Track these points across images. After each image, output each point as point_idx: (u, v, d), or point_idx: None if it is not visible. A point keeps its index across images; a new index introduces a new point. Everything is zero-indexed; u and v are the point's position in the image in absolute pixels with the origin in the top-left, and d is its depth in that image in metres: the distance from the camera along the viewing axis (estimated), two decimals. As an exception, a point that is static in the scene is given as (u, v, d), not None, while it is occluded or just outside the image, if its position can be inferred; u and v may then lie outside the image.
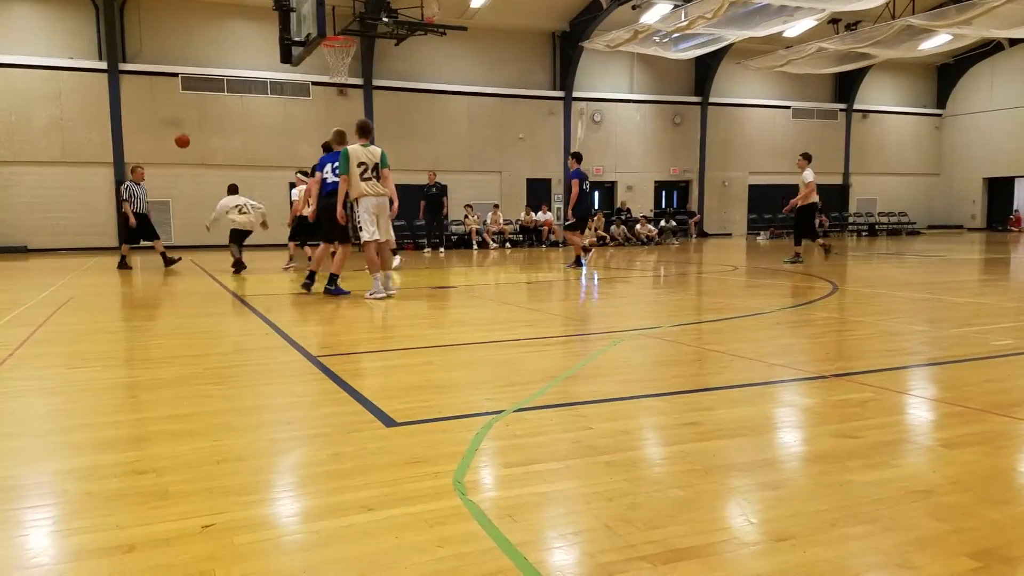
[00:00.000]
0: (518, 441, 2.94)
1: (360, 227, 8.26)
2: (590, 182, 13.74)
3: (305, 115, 22.84)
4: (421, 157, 23.74)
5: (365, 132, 8.37)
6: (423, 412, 3.39)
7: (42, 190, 20.38)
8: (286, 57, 9.92)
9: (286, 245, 14.52)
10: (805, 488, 2.41)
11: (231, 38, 22.03)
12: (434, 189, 19.28)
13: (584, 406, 3.48)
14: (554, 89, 25.98)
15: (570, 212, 12.62)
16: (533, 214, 23.61)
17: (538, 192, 25.44)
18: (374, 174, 8.23)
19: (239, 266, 12.76)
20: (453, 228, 23.06)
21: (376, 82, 23.34)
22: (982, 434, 2.96)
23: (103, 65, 20.55)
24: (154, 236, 13.65)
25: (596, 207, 26.78)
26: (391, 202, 8.47)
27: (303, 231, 12.93)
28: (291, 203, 14.14)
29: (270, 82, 22.26)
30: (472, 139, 24.80)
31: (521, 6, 23.61)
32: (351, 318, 6.94)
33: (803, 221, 13.55)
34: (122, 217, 13.56)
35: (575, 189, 12.24)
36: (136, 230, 13.29)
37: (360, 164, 8.18)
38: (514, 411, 3.36)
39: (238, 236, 13.12)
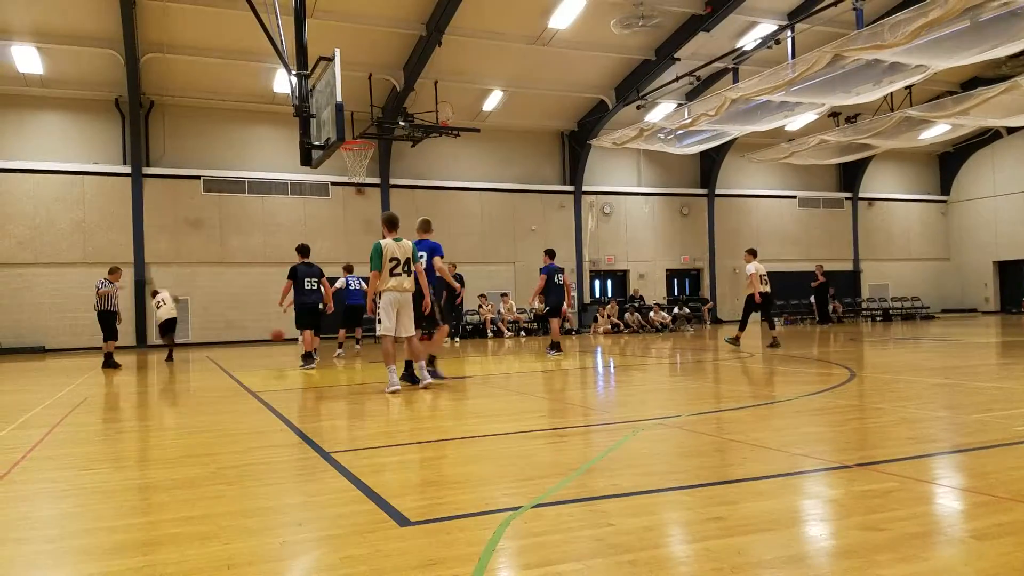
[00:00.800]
0: (536, 540, 2.88)
1: (379, 319, 8.37)
2: (602, 270, 15.03)
3: (324, 213, 23.45)
4: (436, 251, 24.14)
5: (393, 226, 8.57)
6: (439, 510, 3.35)
7: (62, 290, 20.80)
8: (306, 160, 10.25)
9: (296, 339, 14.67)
10: (834, 585, 2.35)
11: (252, 142, 22.89)
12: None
13: (604, 501, 3.42)
14: (564, 184, 26.63)
15: (535, 301, 14.96)
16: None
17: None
18: (405, 269, 8.33)
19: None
20: (468, 317, 23.19)
21: (393, 181, 24.07)
22: (1013, 524, 2.89)
23: (127, 169, 21.34)
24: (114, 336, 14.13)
25: (609, 295, 26.93)
26: (422, 296, 8.55)
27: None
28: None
29: (290, 183, 22.99)
30: (485, 232, 25.30)
31: (531, 108, 24.53)
32: (365, 412, 6.92)
33: (750, 309, 14.95)
34: (106, 315, 13.94)
35: (540, 283, 13.86)
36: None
37: (392, 259, 8.32)
38: (532, 507, 3.31)
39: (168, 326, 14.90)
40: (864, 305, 30.01)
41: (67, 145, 21.18)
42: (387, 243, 8.39)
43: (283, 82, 19.72)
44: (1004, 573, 2.39)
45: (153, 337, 21.47)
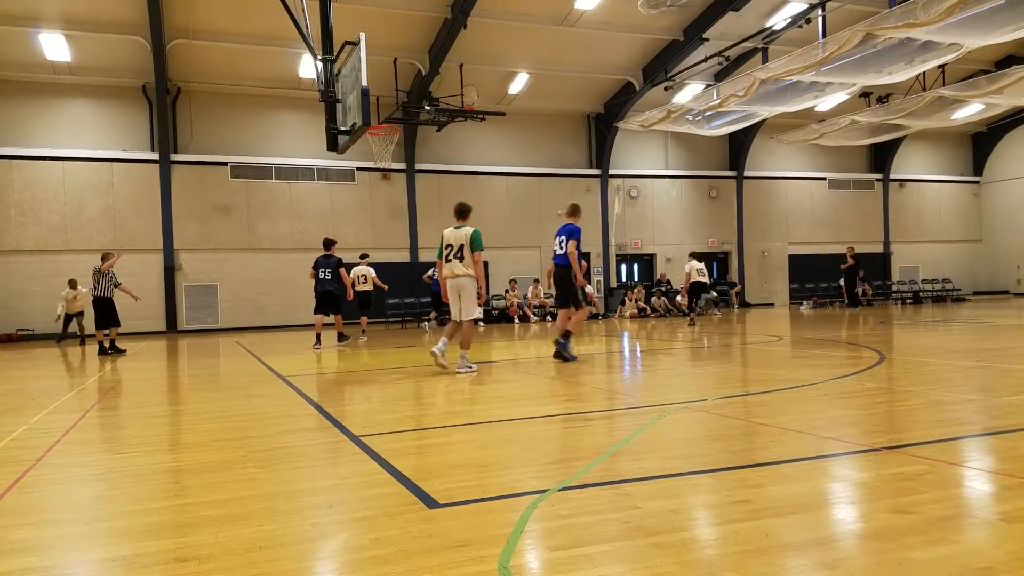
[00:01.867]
0: (564, 522, 2.90)
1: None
2: (629, 254, 15.15)
3: (350, 199, 23.58)
4: (461, 236, 24.21)
5: (460, 215, 8.84)
6: (466, 492, 3.37)
7: (94, 277, 21.05)
8: (332, 146, 10.30)
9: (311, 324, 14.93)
10: (863, 568, 2.34)
11: (278, 128, 23.03)
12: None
13: (631, 484, 3.44)
14: (590, 167, 26.48)
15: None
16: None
17: (578, 266, 25.69)
18: (457, 256, 8.54)
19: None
20: (494, 303, 23.26)
21: (418, 166, 24.11)
22: (1045, 509, 2.86)
23: (155, 156, 21.58)
24: (116, 322, 14.37)
25: (636, 279, 26.83)
26: (477, 283, 8.66)
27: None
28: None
29: (316, 168, 23.12)
30: (512, 216, 25.27)
31: (556, 91, 24.38)
32: (393, 396, 6.99)
33: (692, 295, 18.08)
34: (103, 301, 14.12)
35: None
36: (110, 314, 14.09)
37: (447, 246, 8.65)
38: (559, 490, 3.33)
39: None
40: (894, 287, 29.60)
41: (95, 132, 21.47)
42: (447, 231, 8.73)
43: (308, 67, 19.81)
44: (1036, 557, 2.37)
45: (184, 322, 21.85)
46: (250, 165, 22.61)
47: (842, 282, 25.12)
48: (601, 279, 26.18)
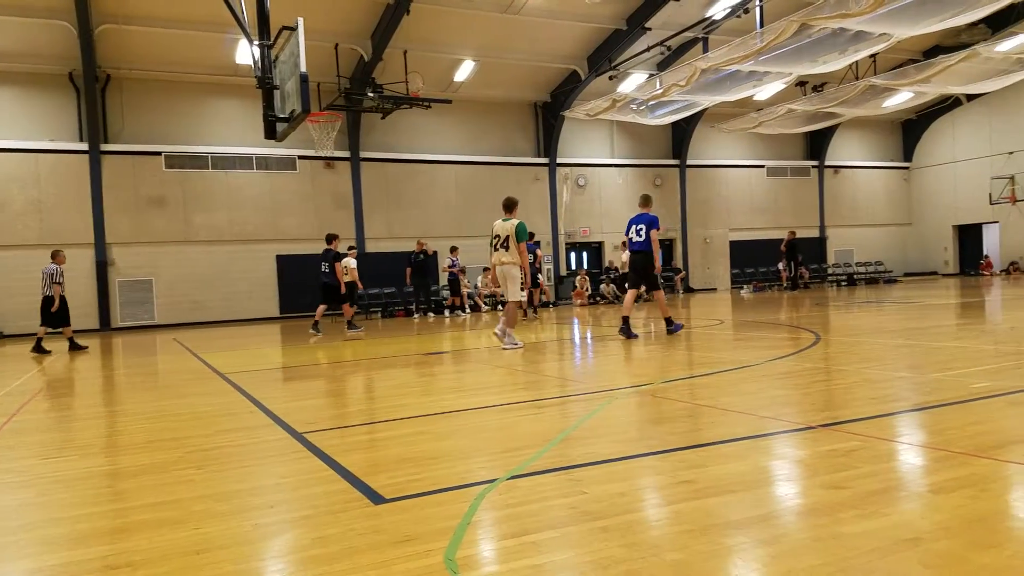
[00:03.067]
0: (512, 511, 2.92)
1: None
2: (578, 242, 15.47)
3: (291, 188, 23.13)
4: (411, 225, 24.06)
5: (508, 208, 9.81)
6: (413, 486, 3.34)
7: (19, 273, 20.03)
8: (270, 134, 10.07)
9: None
10: (800, 543, 2.43)
11: (215, 115, 22.41)
12: (421, 256, 19.56)
13: (579, 469, 3.49)
14: (539, 156, 26.54)
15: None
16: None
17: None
18: (503, 245, 9.55)
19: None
20: (444, 293, 23.21)
21: (363, 154, 23.76)
22: (967, 478, 3.00)
23: (84, 146, 20.74)
24: (67, 322, 13.99)
25: (585, 267, 27.04)
26: (521, 269, 9.67)
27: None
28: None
29: (255, 157, 22.58)
30: (460, 206, 25.16)
31: (503, 79, 24.33)
32: (340, 390, 6.93)
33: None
34: (46, 300, 13.66)
35: None
36: (59, 313, 13.62)
37: (495, 236, 9.70)
38: (508, 479, 3.36)
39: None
40: (830, 270, 30.53)
41: (20, 122, 20.52)
42: (496, 223, 9.77)
43: (245, 53, 19.35)
44: (958, 525, 2.49)
45: (118, 319, 21.20)
46: (185, 154, 21.96)
47: (780, 266, 25.85)
48: (552, 267, 26.32)
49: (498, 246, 9.63)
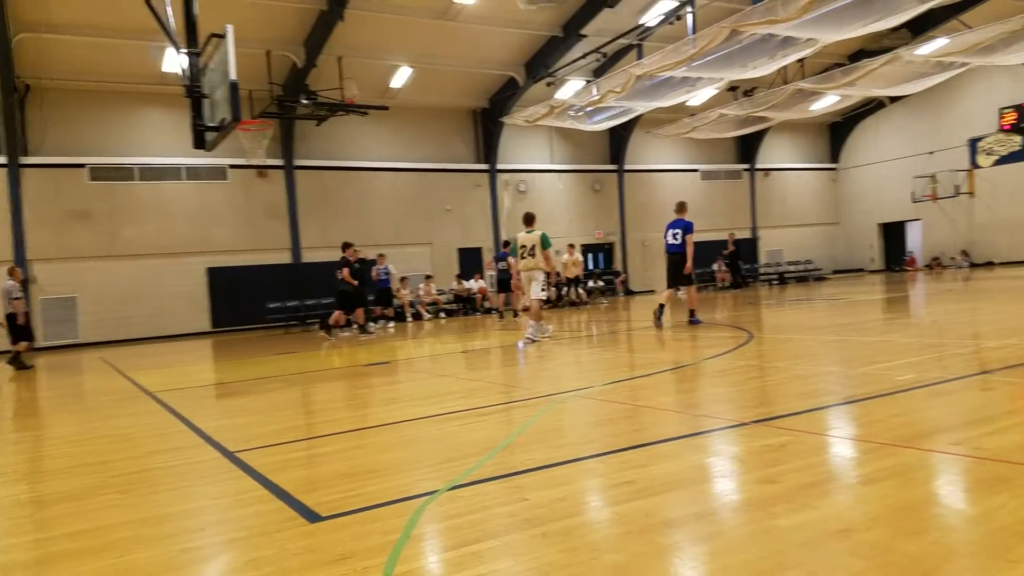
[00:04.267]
0: (453, 522, 2.89)
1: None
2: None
3: (223, 198, 22.55)
4: (349, 234, 23.52)
5: (529, 221, 11.11)
6: (351, 502, 3.27)
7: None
8: (199, 143, 9.80)
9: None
10: (735, 539, 2.47)
11: (141, 126, 21.70)
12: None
13: (520, 476, 3.48)
14: (478, 162, 26.53)
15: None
16: (465, 283, 23.78)
17: (470, 261, 25.69)
18: (531, 253, 10.80)
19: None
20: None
21: (297, 162, 23.32)
22: (894, 467, 3.11)
23: (2, 160, 19.78)
24: (29, 338, 13.74)
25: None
26: (547, 274, 11.03)
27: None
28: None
29: (184, 168, 21.92)
30: (400, 213, 24.92)
31: (441, 85, 24.24)
32: (272, 407, 6.77)
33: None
34: (9, 317, 13.25)
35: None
36: (23, 329, 13.28)
37: (522, 247, 10.88)
38: (448, 490, 3.32)
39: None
40: (762, 270, 31.37)
41: (-66, 134, 19.54)
42: (520, 235, 10.94)
43: (172, 61, 18.79)
44: (886, 514, 2.58)
45: (41, 339, 20.32)
46: (111, 166, 21.16)
47: (718, 267, 26.52)
48: (494, 274, 26.29)
49: (525, 254, 10.88)
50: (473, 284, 23.69)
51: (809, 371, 6.10)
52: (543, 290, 11.03)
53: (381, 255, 19.58)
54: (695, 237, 11.85)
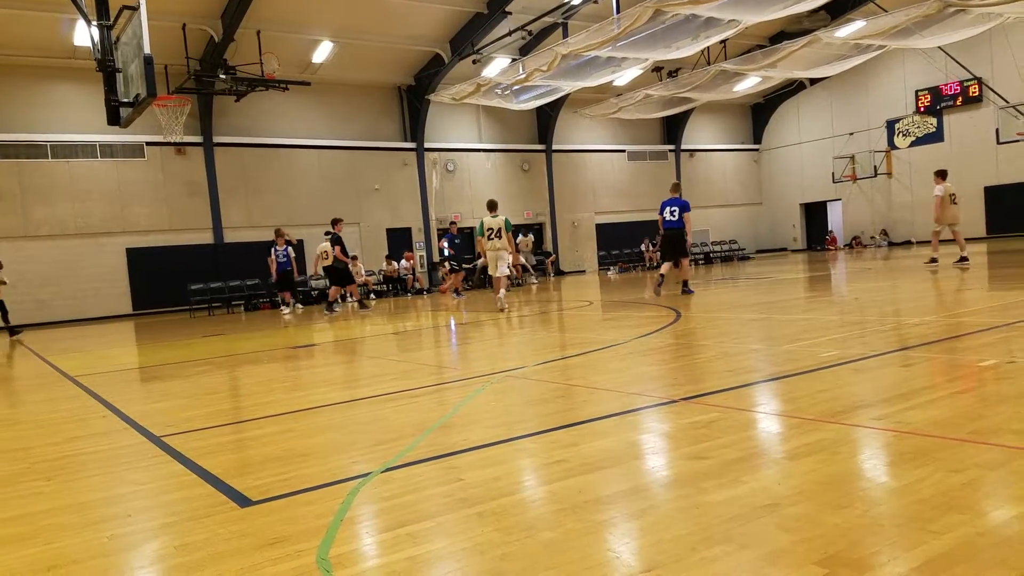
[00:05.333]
0: (387, 504, 2.88)
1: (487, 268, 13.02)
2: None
3: (141, 177, 21.65)
4: (273, 213, 23.10)
5: (492, 208, 13.02)
6: (282, 486, 3.23)
7: None
8: (114, 119, 9.36)
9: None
10: (666, 515, 2.52)
11: (52, 101, 20.58)
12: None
13: (455, 456, 3.47)
14: (406, 140, 26.17)
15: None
16: (395, 263, 23.52)
17: (399, 241, 25.41)
18: (496, 235, 12.58)
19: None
20: (312, 283, 22.50)
21: (217, 139, 22.54)
22: (818, 443, 3.22)
23: (-101, 135, 18.55)
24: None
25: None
26: (508, 254, 12.76)
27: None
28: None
29: (99, 145, 20.94)
30: (326, 192, 24.41)
31: (364, 61, 23.74)
32: (200, 390, 6.57)
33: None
34: None
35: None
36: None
37: (488, 229, 12.66)
38: (382, 471, 3.29)
39: None
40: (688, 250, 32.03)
41: None
42: (486, 219, 12.77)
43: (84, 34, 17.83)
44: (811, 487, 2.67)
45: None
46: (20, 143, 20.05)
47: (643, 247, 26.91)
48: (424, 255, 26.09)
49: (493, 236, 12.57)
50: (404, 263, 23.47)
51: (735, 349, 6.27)
52: (509, 268, 12.91)
53: (279, 235, 18.14)
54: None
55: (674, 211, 12.92)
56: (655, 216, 15.80)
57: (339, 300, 17.22)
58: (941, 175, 13.95)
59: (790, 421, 3.68)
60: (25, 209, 20.13)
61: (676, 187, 13.58)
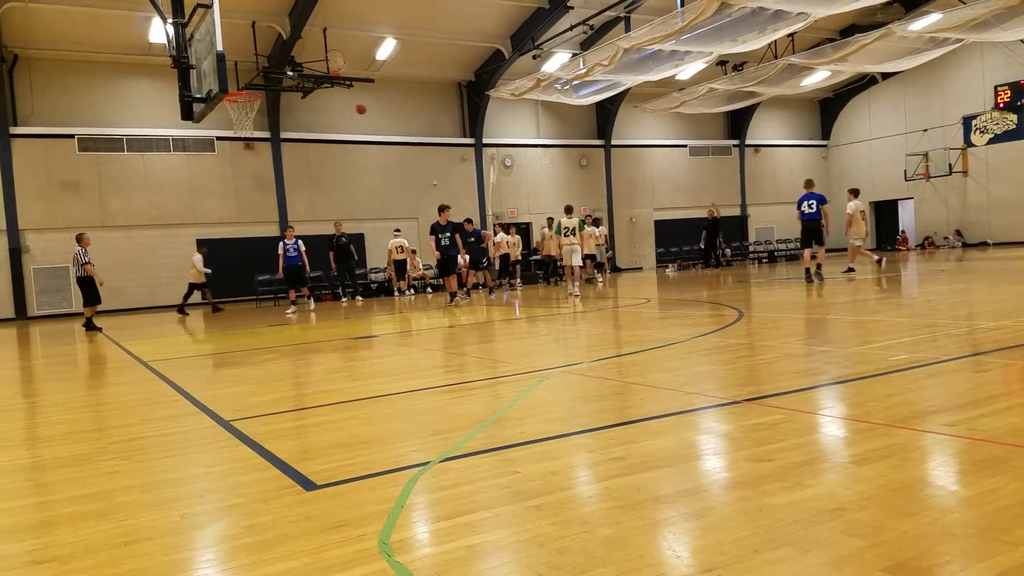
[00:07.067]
0: (445, 493, 2.91)
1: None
2: (506, 223, 20.07)
3: (210, 170, 22.34)
4: (335, 207, 23.55)
5: (568, 211, 15.45)
6: (345, 471, 3.30)
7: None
8: (187, 114, 9.67)
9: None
10: (727, 516, 2.48)
11: (129, 96, 21.41)
12: (343, 239, 19.31)
13: (511, 449, 3.48)
14: (464, 136, 26.31)
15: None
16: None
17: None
18: (571, 233, 14.93)
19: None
20: (372, 276, 22.84)
21: (284, 134, 23.08)
22: (887, 448, 3.12)
23: (-9, 129, 19.57)
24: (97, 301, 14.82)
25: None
26: (581, 248, 15.31)
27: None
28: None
29: (172, 139, 21.69)
30: (386, 188, 24.75)
31: (426, 58, 23.95)
32: (266, 377, 6.75)
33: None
34: (85, 281, 14.43)
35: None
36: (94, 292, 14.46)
37: (565, 228, 15.00)
38: (441, 461, 3.33)
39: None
40: (751, 248, 31.40)
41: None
42: (563, 220, 15.15)
43: (159, 32, 18.45)
44: (880, 494, 2.58)
45: (35, 308, 20.24)
46: (99, 137, 20.92)
47: (702, 244, 26.43)
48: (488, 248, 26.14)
49: (567, 234, 14.95)
50: (458, 259, 23.56)
51: (800, 350, 6.13)
52: (581, 259, 15.48)
53: (289, 228, 17.83)
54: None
55: (812, 204, 14.40)
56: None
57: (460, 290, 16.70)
58: (854, 193, 16.48)
59: (858, 425, 3.58)
60: (103, 200, 21.00)
61: (810, 183, 15.18)
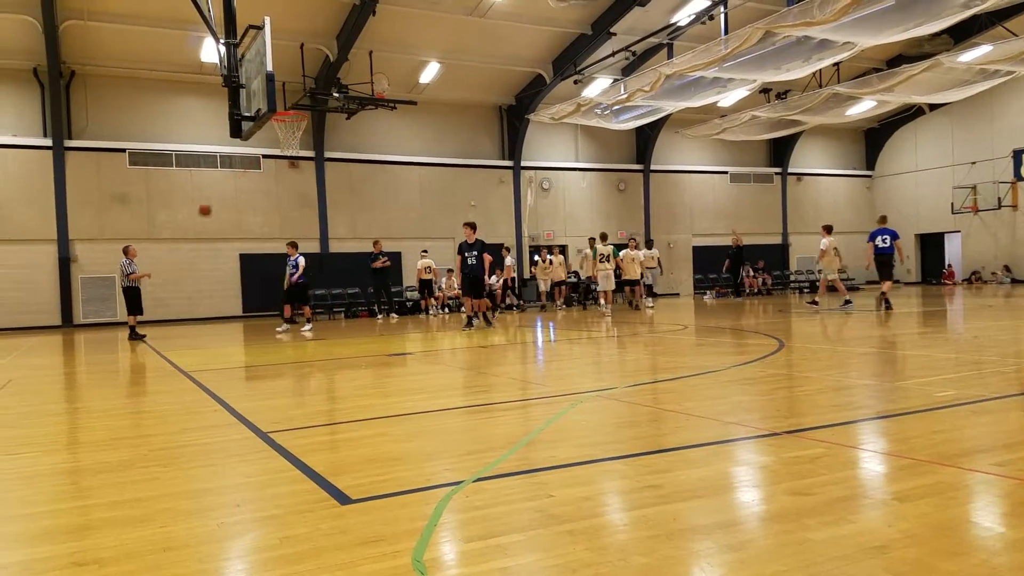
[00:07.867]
0: (478, 513, 2.90)
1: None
2: (542, 245, 20.06)
3: (256, 187, 22.81)
4: (375, 226, 23.87)
5: (604, 238, 18.16)
6: (379, 487, 3.32)
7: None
8: (236, 132, 9.93)
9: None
10: (766, 549, 2.42)
11: (179, 113, 22.03)
12: (381, 256, 19.55)
13: (544, 472, 3.46)
14: (503, 159, 26.51)
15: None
16: (487, 279, 23.75)
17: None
18: (605, 259, 17.45)
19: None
20: (408, 294, 23.00)
21: (328, 154, 23.52)
22: (932, 486, 3.03)
23: (47, 142, 20.29)
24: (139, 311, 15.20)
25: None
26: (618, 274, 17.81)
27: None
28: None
29: (219, 156, 22.23)
30: (424, 208, 25.02)
31: (468, 82, 24.26)
32: (303, 390, 6.82)
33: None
34: (130, 291, 14.97)
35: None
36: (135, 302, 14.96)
37: (600, 255, 17.22)
38: (473, 481, 3.32)
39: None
40: (792, 277, 30.93)
41: (-21, 116, 20.00)
42: (599, 247, 17.74)
43: (211, 51, 19.00)
44: (924, 532, 2.51)
45: (80, 316, 20.77)
46: (149, 152, 21.54)
47: (742, 272, 26.06)
48: (517, 272, 26.25)
49: (602, 260, 17.38)
50: (493, 280, 23.65)
51: (842, 383, 6.00)
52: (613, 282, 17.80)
53: (290, 246, 15.99)
54: None
55: (885, 239, 15.07)
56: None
57: (477, 314, 15.09)
58: (827, 229, 16.51)
59: (902, 461, 3.48)
60: (150, 213, 21.55)
61: (884, 219, 15.98)
